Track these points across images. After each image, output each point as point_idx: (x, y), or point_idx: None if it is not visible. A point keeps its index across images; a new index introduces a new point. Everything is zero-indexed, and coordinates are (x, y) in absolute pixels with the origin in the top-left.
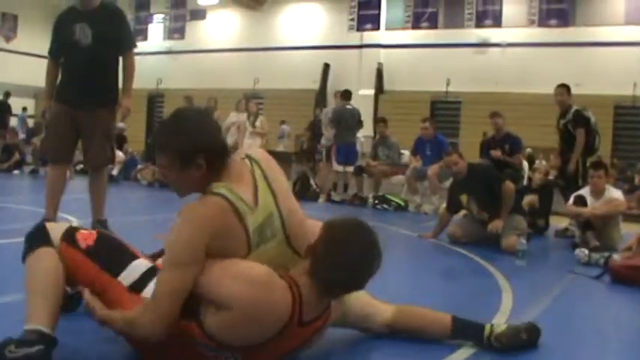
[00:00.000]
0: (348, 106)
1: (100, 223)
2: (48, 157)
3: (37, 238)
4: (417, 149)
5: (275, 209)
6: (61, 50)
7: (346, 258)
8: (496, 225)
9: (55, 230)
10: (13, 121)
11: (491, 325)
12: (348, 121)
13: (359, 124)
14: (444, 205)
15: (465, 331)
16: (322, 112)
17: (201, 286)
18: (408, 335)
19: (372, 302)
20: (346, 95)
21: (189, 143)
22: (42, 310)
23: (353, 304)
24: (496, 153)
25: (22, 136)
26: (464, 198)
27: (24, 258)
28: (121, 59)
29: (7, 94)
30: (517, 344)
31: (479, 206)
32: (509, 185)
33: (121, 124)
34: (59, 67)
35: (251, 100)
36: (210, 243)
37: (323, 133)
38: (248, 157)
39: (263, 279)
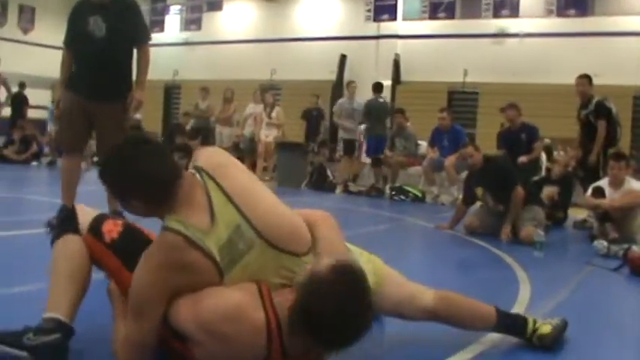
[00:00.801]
0: (380, 99)
1: (116, 215)
2: (62, 147)
3: (66, 223)
4: (434, 140)
5: (240, 219)
6: (74, 41)
7: (327, 318)
8: (505, 233)
9: (85, 217)
10: (42, 114)
11: (535, 321)
12: (379, 114)
13: (389, 116)
14: (461, 196)
15: (509, 324)
16: (337, 104)
17: (171, 321)
18: (446, 324)
19: (407, 286)
20: (378, 88)
21: (119, 193)
22: (63, 297)
23: (387, 289)
24: (522, 160)
25: (53, 128)
26: (479, 191)
27: (52, 242)
28: (135, 51)
29: (22, 85)
30: (557, 345)
31: (494, 199)
32: (519, 191)
33: (137, 116)
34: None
35: (267, 91)
36: (176, 283)
37: (338, 125)
38: (197, 169)
39: (231, 314)
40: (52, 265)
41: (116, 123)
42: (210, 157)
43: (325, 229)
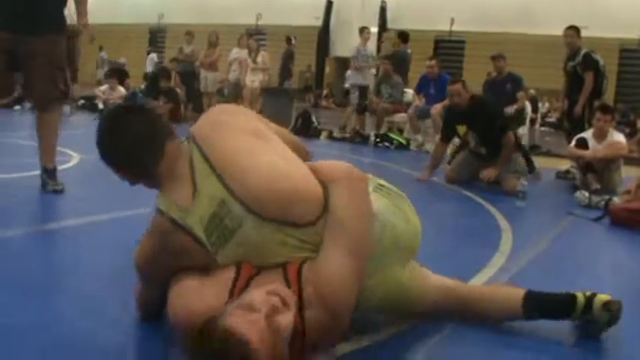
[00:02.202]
0: (409, 50)
1: (47, 172)
2: None
3: None
4: (420, 87)
5: (225, 193)
6: None
7: None
8: (490, 174)
9: None
10: None
11: (584, 294)
12: (407, 66)
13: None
14: (439, 135)
15: (543, 306)
16: (354, 49)
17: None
18: (468, 320)
19: (443, 283)
20: (405, 38)
21: (108, 163)
22: None
23: (432, 292)
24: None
25: None
26: (461, 129)
27: None
28: None
29: None
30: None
31: (478, 140)
32: (510, 137)
33: (122, 60)
34: None
35: (251, 37)
36: (170, 262)
37: (352, 72)
38: (187, 137)
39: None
40: None
41: (54, 59)
42: (207, 118)
43: (342, 194)
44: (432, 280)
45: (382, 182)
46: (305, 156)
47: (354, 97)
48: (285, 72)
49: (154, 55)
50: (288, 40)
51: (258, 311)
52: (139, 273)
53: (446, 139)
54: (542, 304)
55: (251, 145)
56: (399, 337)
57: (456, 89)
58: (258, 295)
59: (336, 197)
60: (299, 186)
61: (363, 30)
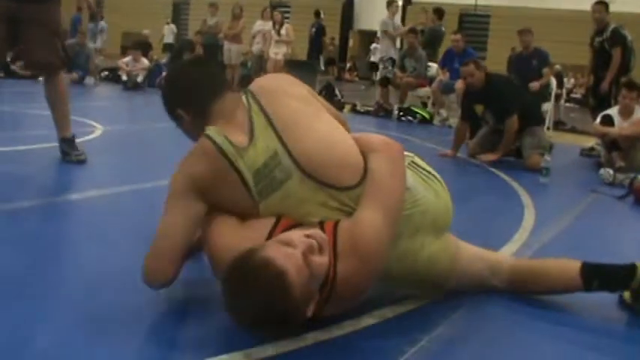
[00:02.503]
0: (443, 28)
1: (66, 142)
2: None
3: None
4: (445, 62)
5: (279, 145)
6: None
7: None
8: (488, 157)
9: None
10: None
11: None
12: (440, 42)
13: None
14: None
15: (604, 274)
16: (381, 22)
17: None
18: (519, 292)
19: (482, 256)
20: (440, 14)
21: (167, 102)
22: None
23: (465, 264)
24: (534, 85)
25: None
26: (479, 108)
27: None
28: None
29: None
30: None
31: (495, 118)
32: (514, 121)
33: (145, 31)
34: None
35: (276, 9)
36: (204, 189)
37: (377, 45)
38: (245, 92)
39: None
40: None
41: (53, 27)
42: (265, 81)
43: (379, 159)
44: (471, 252)
45: (416, 160)
46: (345, 127)
47: (389, 71)
48: (316, 46)
49: (173, 26)
50: (317, 13)
51: (295, 247)
52: (171, 197)
53: (466, 117)
54: (602, 273)
55: (307, 111)
56: (418, 312)
57: (469, 70)
58: (296, 234)
59: (374, 162)
60: (347, 154)
61: (391, 3)
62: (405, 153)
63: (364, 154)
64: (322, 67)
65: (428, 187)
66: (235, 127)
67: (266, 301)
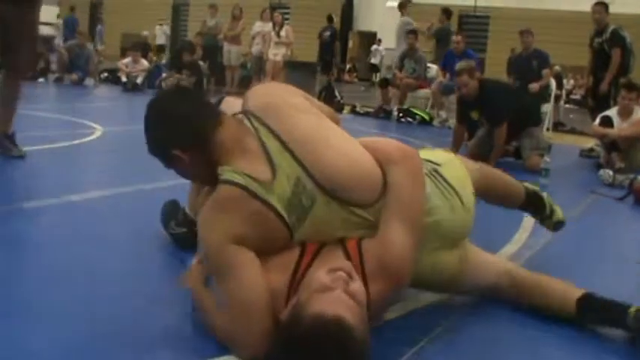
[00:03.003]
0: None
1: (9, 138)
2: None
3: None
4: (445, 63)
5: (299, 169)
6: None
7: None
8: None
9: None
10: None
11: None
12: (449, 42)
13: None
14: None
15: (600, 308)
16: (400, 23)
17: None
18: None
19: (485, 261)
20: (449, 14)
21: (156, 145)
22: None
23: (473, 275)
24: (534, 87)
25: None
26: (474, 114)
27: None
28: None
29: None
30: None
31: (490, 124)
32: (502, 130)
33: (144, 32)
34: None
35: (276, 11)
36: (242, 232)
37: (377, 47)
38: (245, 114)
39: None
40: None
41: (32, 30)
42: (261, 97)
43: (400, 173)
44: (481, 261)
45: (441, 170)
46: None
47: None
48: (329, 51)
49: (165, 27)
50: (330, 18)
51: (333, 289)
52: (213, 267)
53: (462, 120)
54: (599, 305)
55: (318, 125)
56: (417, 313)
57: (462, 81)
58: (323, 276)
59: (394, 176)
60: (366, 170)
61: (405, 4)
62: (434, 159)
63: (382, 166)
64: (335, 73)
65: (444, 200)
66: (251, 159)
67: (339, 355)
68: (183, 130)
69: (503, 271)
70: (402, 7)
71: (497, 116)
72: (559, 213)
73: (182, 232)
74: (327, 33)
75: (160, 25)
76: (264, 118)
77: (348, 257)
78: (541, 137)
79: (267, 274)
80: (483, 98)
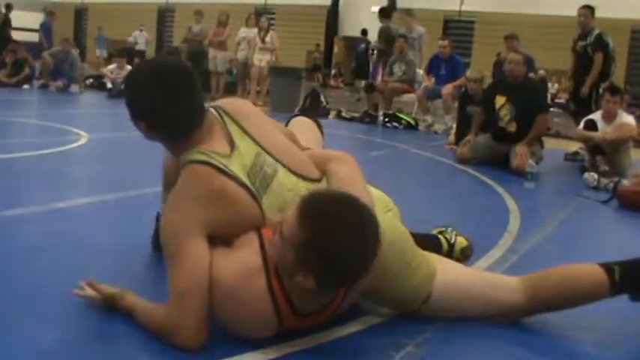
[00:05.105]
0: (392, 25)
1: None
2: None
3: None
4: (431, 67)
5: (259, 148)
6: None
7: (339, 256)
8: (520, 158)
9: None
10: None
11: None
12: (393, 40)
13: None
14: (454, 125)
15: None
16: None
17: None
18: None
19: (491, 280)
20: (386, 13)
21: (133, 112)
22: None
23: (454, 279)
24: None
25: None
26: (500, 99)
27: None
28: None
29: (9, 7)
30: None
31: (514, 114)
32: (544, 118)
33: (130, 38)
34: None
35: (262, 16)
36: (210, 216)
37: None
38: (215, 108)
39: (231, 292)
40: None
41: None
42: (231, 102)
43: (342, 165)
44: (462, 270)
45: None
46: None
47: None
48: (362, 69)
49: (145, 33)
50: (364, 32)
51: None
52: (169, 248)
53: (484, 107)
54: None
55: (271, 127)
56: (404, 317)
57: (520, 59)
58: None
59: (332, 167)
60: (308, 156)
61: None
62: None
63: (319, 166)
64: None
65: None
66: (216, 140)
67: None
68: (168, 125)
69: (494, 277)
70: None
71: (540, 104)
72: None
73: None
74: (363, 45)
75: (140, 30)
76: (231, 112)
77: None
78: (537, 147)
79: (237, 254)
80: (521, 84)
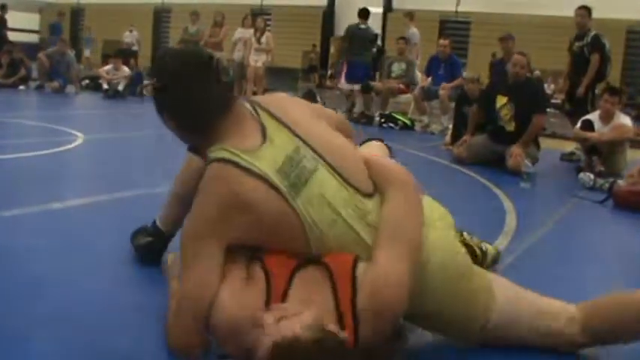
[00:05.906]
0: (362, 26)
1: None
2: None
3: None
4: (430, 68)
5: (299, 142)
6: None
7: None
8: (516, 159)
9: None
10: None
11: None
12: (363, 41)
13: (372, 43)
14: (451, 125)
15: None
16: (413, 34)
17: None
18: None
19: (545, 308)
20: (364, 14)
21: (157, 99)
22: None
23: (521, 314)
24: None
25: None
26: (502, 99)
27: None
28: None
29: (4, 7)
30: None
31: (514, 113)
32: (541, 119)
33: (127, 39)
34: None
35: (258, 16)
36: (232, 225)
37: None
38: (250, 102)
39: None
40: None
41: None
42: (268, 96)
43: (397, 196)
44: (514, 293)
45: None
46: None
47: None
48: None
49: (135, 33)
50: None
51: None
52: (184, 250)
53: (483, 106)
54: None
55: (316, 120)
56: None
57: (525, 60)
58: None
59: (392, 198)
60: (360, 164)
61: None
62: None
63: (377, 181)
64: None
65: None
66: (245, 136)
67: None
68: (189, 118)
69: (550, 305)
70: (412, 18)
71: (539, 104)
72: None
73: (146, 242)
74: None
75: (130, 31)
76: (267, 106)
77: (335, 292)
78: (532, 147)
79: (241, 295)
80: (523, 84)
